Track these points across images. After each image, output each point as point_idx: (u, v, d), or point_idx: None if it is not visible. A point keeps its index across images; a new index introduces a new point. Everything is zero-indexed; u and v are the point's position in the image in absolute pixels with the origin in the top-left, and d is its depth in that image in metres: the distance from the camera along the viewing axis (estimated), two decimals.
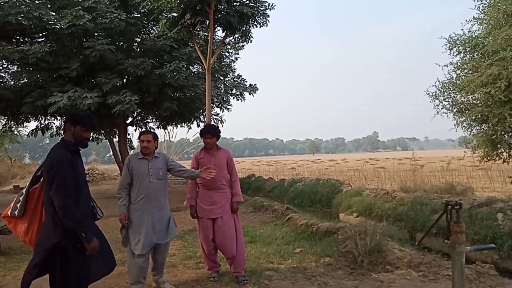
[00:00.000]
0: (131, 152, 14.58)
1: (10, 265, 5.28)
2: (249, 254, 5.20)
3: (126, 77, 11.89)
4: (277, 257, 5.12)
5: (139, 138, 3.98)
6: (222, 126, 15.69)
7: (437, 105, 12.16)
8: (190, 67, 13.33)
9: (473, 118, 10.67)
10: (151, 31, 13.25)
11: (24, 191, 2.77)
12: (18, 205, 2.74)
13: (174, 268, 4.83)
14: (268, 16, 9.35)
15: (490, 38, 9.97)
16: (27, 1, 11.04)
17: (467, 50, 11.47)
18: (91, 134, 2.95)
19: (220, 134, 4.41)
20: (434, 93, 12.22)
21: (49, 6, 11.35)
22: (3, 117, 13.39)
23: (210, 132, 4.28)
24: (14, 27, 10.46)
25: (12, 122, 13.73)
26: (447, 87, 12.01)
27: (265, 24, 9.27)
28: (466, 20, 11.44)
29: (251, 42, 9.99)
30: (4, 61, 11.16)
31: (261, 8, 8.92)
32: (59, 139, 2.94)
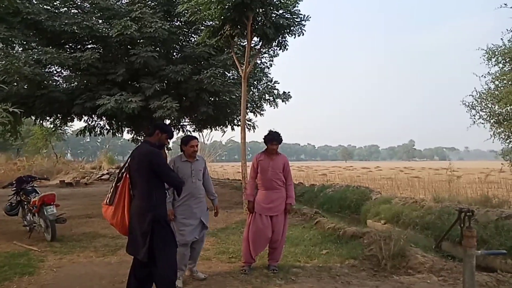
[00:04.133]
0: (167, 152, 15.27)
1: (65, 250, 5.93)
2: None
3: (166, 82, 12.58)
4: (304, 257, 5.43)
5: (184, 143, 4.44)
6: (254, 131, 16.05)
7: (474, 115, 12.04)
8: (226, 73, 13.86)
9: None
10: (191, 39, 13.92)
11: (113, 184, 3.57)
12: (109, 195, 3.52)
13: (208, 261, 5.27)
14: (304, 25, 9.66)
15: None
16: (81, 12, 12.03)
17: (506, 61, 11.29)
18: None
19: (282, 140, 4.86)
20: (471, 103, 12.10)
21: (99, 15, 12.30)
22: (51, 117, 14.40)
23: (276, 139, 4.74)
24: (68, 35, 11.43)
25: (61, 122, 14.85)
26: (485, 98, 11.86)
27: (301, 34, 9.58)
28: (507, 30, 11.24)
29: (286, 50, 10.37)
30: (58, 66, 12.15)
31: (297, 20, 9.24)
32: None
